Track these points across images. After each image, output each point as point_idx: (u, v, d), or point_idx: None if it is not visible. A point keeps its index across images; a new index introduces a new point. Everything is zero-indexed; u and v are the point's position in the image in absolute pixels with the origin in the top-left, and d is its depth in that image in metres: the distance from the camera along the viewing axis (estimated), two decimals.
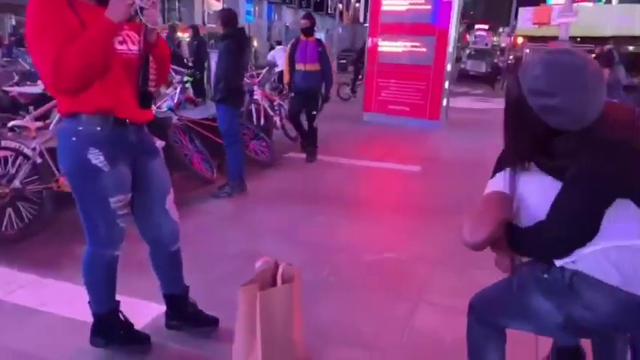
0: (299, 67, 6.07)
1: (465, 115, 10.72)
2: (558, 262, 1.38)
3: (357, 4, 39.73)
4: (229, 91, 4.39)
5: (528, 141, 1.36)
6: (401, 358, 2.34)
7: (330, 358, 2.32)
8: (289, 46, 6.30)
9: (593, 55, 8.58)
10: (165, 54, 2.18)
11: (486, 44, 30.24)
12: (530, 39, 22.30)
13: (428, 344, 2.43)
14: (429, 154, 6.94)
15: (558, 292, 1.39)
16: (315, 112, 6.21)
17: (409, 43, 8.92)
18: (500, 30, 44.95)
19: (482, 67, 21.24)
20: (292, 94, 6.33)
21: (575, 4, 11.52)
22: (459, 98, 13.39)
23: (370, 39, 9.36)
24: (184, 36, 12.95)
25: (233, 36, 4.42)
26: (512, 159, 1.45)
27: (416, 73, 8.90)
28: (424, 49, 8.75)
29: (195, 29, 10.59)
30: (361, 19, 40.22)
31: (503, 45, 29.32)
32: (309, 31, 6.07)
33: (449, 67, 8.85)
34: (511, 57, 22.25)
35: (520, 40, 23.55)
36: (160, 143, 3.84)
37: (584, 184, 1.26)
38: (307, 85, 6.07)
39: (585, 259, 1.32)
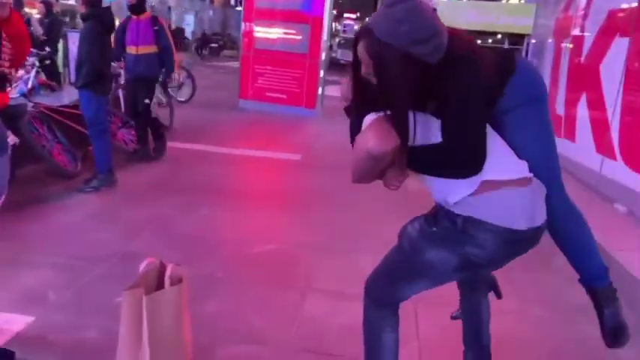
0: (130, 50, 5.15)
1: (339, 104, 11.01)
2: (450, 208, 1.46)
3: None
4: (94, 76, 3.99)
5: (414, 90, 1.42)
6: (292, 350, 2.33)
7: (221, 356, 2.24)
8: (117, 27, 5.10)
9: None
10: (22, 31, 1.90)
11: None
12: None
13: (318, 333, 2.45)
14: (307, 142, 7.04)
15: (451, 238, 1.47)
16: (147, 101, 5.28)
17: (284, 30, 8.92)
18: (367, 20, 47.07)
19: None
20: (123, 83, 5.61)
21: (433, 0, 12.42)
22: (331, 86, 13.78)
23: (245, 23, 9.19)
24: (33, 12, 11.55)
25: (97, 16, 4.01)
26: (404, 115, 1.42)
27: (292, 61, 8.94)
28: (299, 37, 8.81)
29: (47, 4, 9.48)
30: (232, 2, 39.43)
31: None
32: (137, 8, 5.11)
33: (324, 56, 9.01)
34: None
35: None
36: (12, 139, 3.39)
37: (467, 94, 1.40)
38: (141, 70, 5.16)
39: (475, 205, 1.42)
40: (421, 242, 1.55)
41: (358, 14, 47.05)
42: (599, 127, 5.17)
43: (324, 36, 8.86)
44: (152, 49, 5.20)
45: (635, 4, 4.87)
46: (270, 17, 8.91)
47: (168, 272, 1.83)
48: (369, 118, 1.52)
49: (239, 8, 43.38)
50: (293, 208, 4.27)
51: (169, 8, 31.60)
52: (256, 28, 9.06)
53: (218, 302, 2.64)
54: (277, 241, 3.50)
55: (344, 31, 33.83)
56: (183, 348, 1.91)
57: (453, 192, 1.44)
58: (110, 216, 3.83)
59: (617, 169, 4.65)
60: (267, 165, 5.80)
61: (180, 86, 9.07)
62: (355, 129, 1.57)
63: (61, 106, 4.90)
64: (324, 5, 8.68)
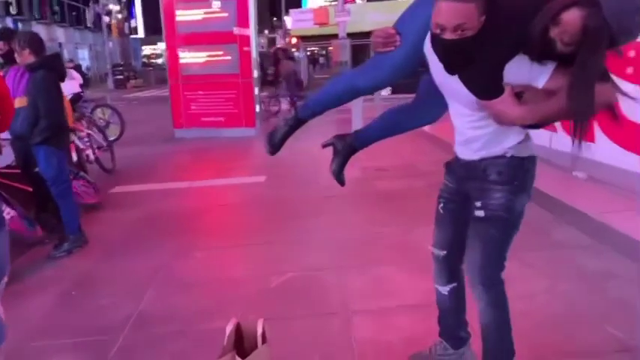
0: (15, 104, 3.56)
1: (275, 120, 10.96)
2: (498, 154, 1.75)
3: (120, 16, 37.22)
4: (55, 130, 3.65)
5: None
6: None
7: None
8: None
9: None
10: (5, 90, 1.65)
11: (262, 47, 31.45)
12: (304, 38, 23.95)
13: (381, 352, 2.41)
14: (265, 162, 6.88)
15: (523, 181, 1.76)
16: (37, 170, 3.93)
17: (212, 53, 8.72)
18: (266, 32, 47.26)
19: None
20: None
21: (347, 5, 12.72)
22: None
23: (168, 52, 8.87)
24: None
25: (48, 63, 3.68)
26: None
27: (224, 82, 8.76)
28: (229, 57, 8.66)
29: None
30: (127, 31, 37.94)
31: (278, 46, 30.86)
32: (6, 57, 4.12)
33: (256, 73, 8.91)
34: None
35: (294, 40, 25.14)
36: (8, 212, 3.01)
37: None
38: (16, 127, 3.68)
39: (525, 147, 1.76)
40: (510, 201, 1.73)
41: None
42: None
43: (254, 53, 8.76)
44: (23, 102, 3.75)
45: None
46: (195, 41, 8.68)
47: (259, 330, 1.71)
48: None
49: (134, 36, 42.19)
50: (285, 231, 4.16)
51: (60, 44, 29.79)
52: (182, 55, 8.78)
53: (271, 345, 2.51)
54: (288, 269, 3.38)
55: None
56: None
57: (508, 139, 1.72)
58: (101, 278, 3.51)
59: (563, 141, 4.98)
60: (236, 192, 5.61)
61: (107, 125, 8.57)
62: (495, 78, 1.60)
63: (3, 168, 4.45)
64: (249, 22, 8.57)
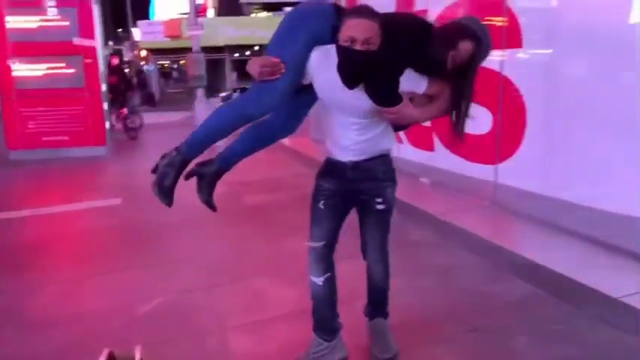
0: None
1: (122, 135, 10.32)
2: (376, 155, 2.14)
3: None
4: None
5: None
6: None
7: None
8: None
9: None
10: None
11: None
12: (155, 51, 23.00)
13: None
14: (118, 183, 6.49)
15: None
16: None
17: (52, 65, 7.93)
18: (111, 43, 44.39)
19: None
20: None
21: (199, 19, 12.55)
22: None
23: None
24: None
25: None
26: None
27: (67, 97, 8.02)
28: (72, 70, 7.96)
29: None
30: None
31: (126, 59, 29.08)
32: None
33: (104, 87, 8.32)
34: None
35: (144, 52, 23.97)
36: None
37: None
38: None
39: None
40: (394, 193, 2.21)
41: None
42: None
43: (101, 65, 8.18)
44: None
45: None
46: (32, 52, 7.81)
47: (137, 356, 1.63)
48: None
49: None
50: (148, 255, 3.95)
51: None
52: (15, 67, 7.84)
53: None
54: (156, 295, 3.21)
55: None
56: None
57: (385, 142, 2.12)
58: None
59: (407, 150, 5.51)
60: (89, 218, 5.13)
61: None
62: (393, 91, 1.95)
63: None
64: (94, 32, 7.99)
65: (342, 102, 1.97)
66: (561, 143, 3.74)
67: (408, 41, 1.88)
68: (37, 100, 7.98)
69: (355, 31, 1.76)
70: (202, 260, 3.77)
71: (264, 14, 28.36)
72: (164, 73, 34.17)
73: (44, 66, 7.95)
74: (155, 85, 24.50)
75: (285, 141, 6.56)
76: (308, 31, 1.92)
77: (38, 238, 4.48)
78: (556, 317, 2.74)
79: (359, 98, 1.92)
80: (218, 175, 2.20)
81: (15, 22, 7.80)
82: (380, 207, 2.17)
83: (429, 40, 1.89)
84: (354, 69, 1.84)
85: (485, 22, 2.00)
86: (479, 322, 2.70)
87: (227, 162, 2.21)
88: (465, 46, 1.87)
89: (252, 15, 28.25)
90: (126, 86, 10.88)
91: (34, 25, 7.82)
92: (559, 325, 2.64)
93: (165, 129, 11.82)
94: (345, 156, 2.10)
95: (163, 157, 2.10)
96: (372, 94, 1.92)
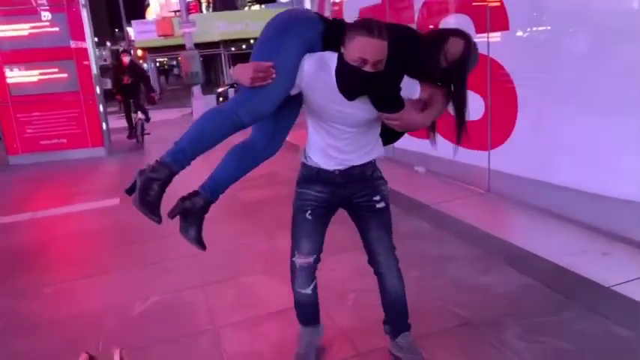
0: None
1: (120, 136, 10.35)
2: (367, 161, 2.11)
3: None
4: None
5: None
6: None
7: None
8: None
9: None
10: None
11: (105, 60, 29.47)
12: (150, 50, 22.99)
13: None
14: (116, 184, 6.50)
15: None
16: None
17: (46, 70, 7.98)
18: (109, 44, 44.43)
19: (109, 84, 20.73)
20: None
21: (190, 16, 12.52)
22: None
23: None
24: None
25: None
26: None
27: (63, 101, 8.07)
28: (65, 75, 7.98)
29: None
30: None
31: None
32: None
33: (98, 90, 8.34)
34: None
35: (140, 52, 23.97)
36: None
37: None
38: None
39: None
40: (388, 190, 2.15)
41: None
42: None
43: (94, 68, 8.20)
44: None
45: (379, 2, 5.79)
46: (25, 59, 7.89)
47: (116, 358, 1.64)
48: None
49: None
50: (144, 255, 3.98)
51: None
52: (9, 74, 7.88)
53: None
54: (151, 293, 3.25)
55: None
56: None
57: (377, 149, 2.11)
58: None
59: (403, 139, 5.49)
60: (87, 219, 5.18)
61: None
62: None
63: None
64: (85, 35, 8.01)
65: (337, 112, 1.91)
66: (553, 127, 3.70)
67: (408, 52, 1.87)
68: (33, 105, 8.06)
69: (368, 53, 1.69)
70: (198, 259, 3.78)
71: (256, 7, 28.27)
72: (163, 71, 34.25)
73: (37, 72, 8.00)
74: (154, 83, 24.57)
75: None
76: (299, 38, 1.85)
77: (35, 241, 4.53)
78: (547, 308, 2.73)
79: (356, 108, 1.88)
80: (206, 208, 2.05)
81: (5, 31, 7.83)
82: (380, 205, 2.10)
83: (422, 45, 1.90)
84: (362, 88, 1.80)
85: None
86: (471, 315, 2.71)
87: (214, 193, 2.05)
88: (457, 43, 1.88)
89: (245, 8, 28.15)
90: (139, 86, 9.46)
91: (25, 33, 7.85)
92: (550, 317, 2.64)
93: (164, 126, 11.83)
94: (332, 165, 2.03)
95: (141, 172, 1.92)
96: (377, 102, 1.87)
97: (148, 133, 9.34)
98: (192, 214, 2.03)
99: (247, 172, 2.10)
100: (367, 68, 1.71)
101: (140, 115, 9.21)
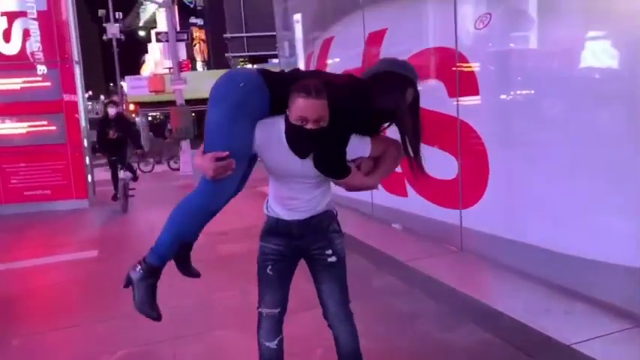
0: None
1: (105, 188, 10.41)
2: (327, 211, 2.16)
3: None
4: None
5: None
6: None
7: None
8: None
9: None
10: None
11: (97, 113, 29.92)
12: (142, 105, 23.46)
13: None
14: (97, 236, 6.54)
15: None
16: None
17: (35, 123, 8.17)
18: (102, 98, 45.32)
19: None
20: None
21: (182, 74, 12.94)
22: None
23: None
24: None
25: None
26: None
27: (50, 153, 8.19)
28: (54, 127, 8.16)
29: None
30: None
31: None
32: None
33: (86, 143, 8.50)
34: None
35: (132, 106, 24.46)
36: None
37: None
38: None
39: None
40: (343, 244, 2.17)
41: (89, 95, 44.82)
42: None
43: (83, 121, 8.39)
44: None
45: (359, 65, 6.07)
46: (13, 111, 8.10)
47: None
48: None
49: None
50: (117, 307, 3.94)
51: None
52: None
53: None
54: (120, 346, 3.25)
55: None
56: None
57: (328, 197, 2.14)
58: None
59: (382, 196, 5.64)
60: (64, 270, 5.16)
61: None
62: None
63: None
64: (76, 89, 8.25)
65: (293, 171, 1.98)
66: (524, 187, 3.81)
67: (353, 109, 1.92)
68: (19, 156, 8.19)
69: (307, 112, 1.79)
70: (170, 311, 3.74)
71: (248, 66, 29.21)
72: (154, 125, 34.72)
73: (26, 124, 8.19)
74: (145, 137, 24.86)
75: (265, 188, 6.66)
76: (251, 119, 1.91)
77: (8, 292, 4.50)
78: None
79: (310, 165, 1.95)
80: (157, 274, 2.11)
81: (0, 84, 8.09)
82: (331, 259, 2.13)
83: (370, 100, 1.94)
84: (306, 145, 1.88)
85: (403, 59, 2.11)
86: None
87: (163, 256, 2.10)
88: (409, 94, 1.99)
89: (238, 67, 29.04)
90: (127, 141, 8.30)
91: (17, 87, 8.12)
92: None
93: (154, 179, 11.95)
94: (292, 215, 2.09)
95: (134, 267, 2.08)
96: (322, 169, 1.95)
97: (132, 195, 8.14)
98: (142, 281, 2.10)
99: (207, 221, 2.10)
100: (309, 126, 1.81)
101: (123, 174, 8.02)
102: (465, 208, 4.43)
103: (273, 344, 2.16)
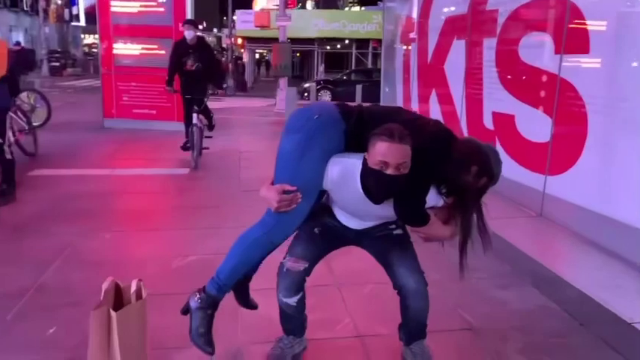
0: None
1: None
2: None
3: (60, 1, 35.68)
4: None
5: None
6: (241, 343, 2.51)
7: None
8: None
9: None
10: None
11: None
12: (250, 40, 24.08)
13: (262, 324, 2.65)
14: (189, 156, 7.03)
15: None
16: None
17: (147, 46, 8.77)
18: (215, 31, 46.96)
19: None
20: None
21: (287, 10, 13.03)
22: None
23: (102, 41, 8.85)
24: None
25: None
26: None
27: (158, 76, 8.73)
28: (163, 52, 8.68)
29: None
30: (67, 17, 36.40)
31: (224, 45, 30.76)
32: None
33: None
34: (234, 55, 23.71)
35: (240, 40, 25.21)
36: None
37: None
38: None
39: None
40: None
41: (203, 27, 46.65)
42: (450, 118, 6.06)
43: None
44: None
45: (465, 12, 5.80)
46: (130, 34, 8.72)
47: (133, 287, 1.93)
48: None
49: (75, 23, 40.59)
50: (196, 219, 4.36)
51: None
52: (115, 46, 8.76)
53: (159, 315, 2.69)
54: (192, 252, 3.58)
55: None
56: (145, 355, 2.02)
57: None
58: (6, 251, 3.56)
59: None
60: (156, 182, 5.74)
61: (33, 110, 8.36)
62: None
63: None
64: (185, 18, 8.65)
65: (363, 211, 1.96)
66: (623, 159, 3.56)
67: (436, 160, 1.81)
68: (131, 76, 8.88)
69: (388, 157, 1.70)
70: (243, 228, 4.07)
71: (357, 8, 28.60)
72: (259, 61, 35.61)
73: (140, 47, 8.82)
74: (249, 72, 25.70)
75: None
76: (323, 151, 1.84)
77: (108, 194, 5.11)
78: (558, 331, 2.71)
79: (383, 207, 1.88)
80: (216, 305, 2.08)
81: (118, 6, 8.71)
82: (397, 232, 2.11)
83: (450, 158, 1.82)
84: (384, 190, 1.79)
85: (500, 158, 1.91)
86: (477, 322, 2.76)
87: (223, 287, 2.07)
88: (483, 181, 1.83)
89: (346, 9, 28.54)
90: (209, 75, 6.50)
91: (134, 10, 8.68)
92: (558, 339, 2.62)
93: (249, 112, 12.50)
94: (352, 225, 2.09)
95: (194, 296, 2.07)
96: (404, 217, 1.91)
97: (207, 148, 6.60)
98: (203, 310, 2.05)
99: (269, 253, 2.06)
100: (389, 171, 1.71)
101: (197, 120, 6.27)
102: (553, 175, 4.21)
103: (292, 300, 2.08)
